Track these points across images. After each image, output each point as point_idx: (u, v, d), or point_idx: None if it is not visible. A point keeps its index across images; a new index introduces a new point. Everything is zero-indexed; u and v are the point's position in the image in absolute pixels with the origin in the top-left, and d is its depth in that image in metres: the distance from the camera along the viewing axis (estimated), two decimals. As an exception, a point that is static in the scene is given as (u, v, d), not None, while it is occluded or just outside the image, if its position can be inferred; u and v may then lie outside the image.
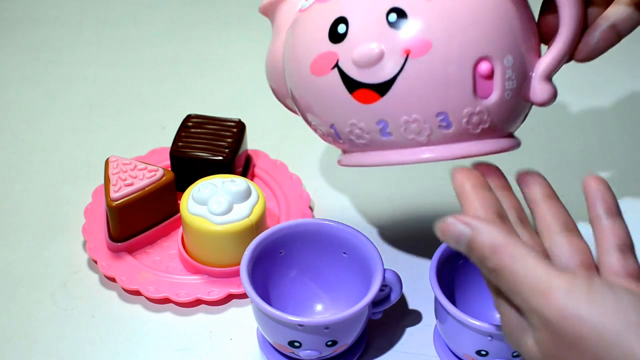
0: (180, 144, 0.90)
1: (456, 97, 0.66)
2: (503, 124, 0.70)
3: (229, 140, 0.90)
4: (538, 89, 0.70)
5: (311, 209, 0.91)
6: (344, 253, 0.80)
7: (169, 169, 0.91)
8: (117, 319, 0.83)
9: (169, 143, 0.93)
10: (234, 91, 1.07)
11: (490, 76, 0.67)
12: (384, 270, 0.76)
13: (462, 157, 0.69)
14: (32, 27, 1.16)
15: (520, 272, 0.57)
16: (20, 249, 0.88)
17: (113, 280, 0.85)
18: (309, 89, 0.70)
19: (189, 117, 0.92)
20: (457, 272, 0.79)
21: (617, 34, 0.70)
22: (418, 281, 0.84)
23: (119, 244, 0.86)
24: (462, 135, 0.68)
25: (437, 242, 0.78)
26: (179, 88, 1.07)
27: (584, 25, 0.70)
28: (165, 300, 0.83)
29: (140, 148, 0.97)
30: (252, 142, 0.95)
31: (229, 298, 0.84)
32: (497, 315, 0.80)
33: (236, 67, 1.10)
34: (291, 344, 0.75)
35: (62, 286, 0.85)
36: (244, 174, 0.93)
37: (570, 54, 0.71)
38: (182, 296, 0.83)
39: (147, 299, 0.84)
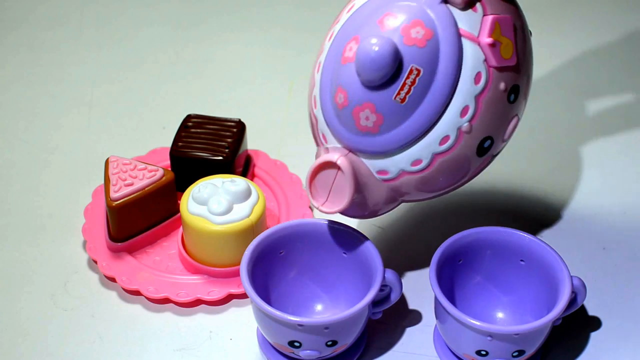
0: (180, 144, 0.90)
1: None
2: None
3: (229, 140, 0.90)
4: None
5: (311, 209, 0.91)
6: (344, 253, 0.80)
7: (169, 169, 0.91)
8: (117, 319, 0.82)
9: (169, 143, 0.93)
10: (234, 91, 1.07)
11: None
12: (384, 270, 0.76)
13: None
14: (32, 27, 1.16)
15: None
16: (20, 249, 0.88)
17: (113, 280, 0.85)
18: (459, 185, 0.78)
19: (189, 117, 0.92)
20: (457, 272, 0.79)
21: None
22: (418, 281, 0.84)
23: (119, 244, 0.86)
24: None
25: (437, 242, 0.78)
26: (179, 88, 1.07)
27: None
28: (165, 300, 0.83)
29: (140, 148, 0.97)
30: (252, 142, 0.95)
31: (229, 298, 0.84)
32: (498, 316, 0.80)
33: (236, 67, 1.10)
34: (291, 344, 0.75)
35: (62, 286, 0.85)
36: (244, 174, 0.93)
37: None
38: (182, 296, 0.83)
39: (147, 299, 0.84)
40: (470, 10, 0.72)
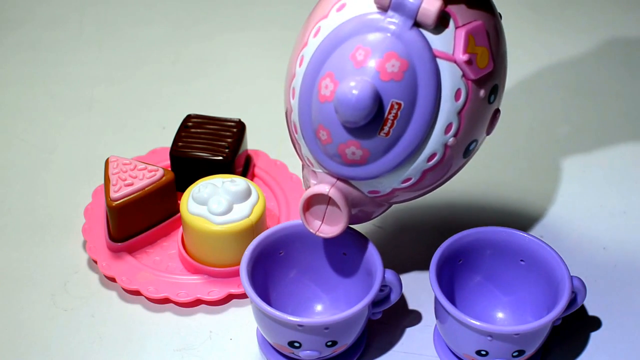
0: (180, 144, 0.90)
1: None
2: None
3: (229, 140, 0.90)
4: None
5: (311, 209, 0.91)
6: (344, 253, 0.80)
7: (169, 169, 0.91)
8: (117, 319, 0.83)
9: (169, 143, 0.93)
10: (234, 91, 1.07)
11: None
12: (384, 270, 0.76)
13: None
14: (32, 27, 1.16)
15: None
16: (20, 249, 0.88)
17: (113, 280, 0.85)
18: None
19: (189, 117, 0.92)
20: (457, 272, 0.79)
21: None
22: (418, 281, 0.84)
23: (119, 244, 0.86)
24: None
25: (437, 242, 0.78)
26: (179, 88, 1.07)
27: None
28: (165, 300, 0.83)
29: (140, 148, 0.97)
30: (252, 142, 0.95)
31: (229, 298, 0.84)
32: (498, 315, 0.80)
33: (236, 67, 1.10)
34: (291, 344, 0.75)
35: (62, 286, 0.85)
36: (244, 174, 0.93)
37: None
38: (182, 296, 0.83)
39: (147, 299, 0.84)
40: (441, 27, 0.70)
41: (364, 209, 0.77)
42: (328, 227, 0.76)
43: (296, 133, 0.75)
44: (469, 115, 0.72)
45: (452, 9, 0.70)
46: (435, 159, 0.72)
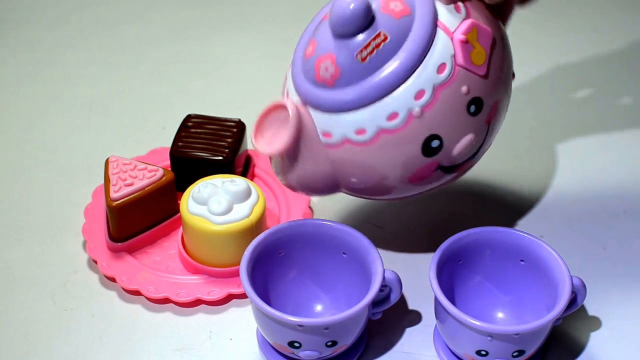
0: (180, 144, 0.90)
1: None
2: None
3: (229, 140, 0.90)
4: None
5: (311, 209, 0.91)
6: (344, 253, 0.80)
7: (169, 169, 0.91)
8: (117, 319, 0.83)
9: (169, 143, 0.93)
10: (234, 91, 1.07)
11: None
12: (384, 270, 0.76)
13: None
14: (32, 27, 1.16)
15: None
16: (20, 249, 0.88)
17: (113, 280, 0.85)
18: (407, 189, 0.77)
19: (189, 117, 0.93)
20: (457, 272, 0.79)
21: None
22: (418, 281, 0.84)
23: (119, 244, 0.86)
24: None
25: (437, 242, 0.78)
26: (179, 88, 1.07)
27: None
28: (165, 300, 0.83)
29: (140, 148, 0.97)
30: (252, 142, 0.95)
31: (229, 298, 0.84)
32: (498, 315, 0.80)
33: (236, 67, 1.10)
34: (291, 344, 0.75)
35: (62, 286, 0.85)
36: (244, 174, 0.93)
37: None
38: (182, 296, 0.83)
39: (147, 299, 0.84)
40: (453, 8, 0.73)
41: (311, 167, 0.75)
42: (270, 144, 0.75)
43: (289, 71, 0.77)
44: (443, 98, 0.72)
45: (469, 6, 0.73)
46: (396, 121, 0.72)
